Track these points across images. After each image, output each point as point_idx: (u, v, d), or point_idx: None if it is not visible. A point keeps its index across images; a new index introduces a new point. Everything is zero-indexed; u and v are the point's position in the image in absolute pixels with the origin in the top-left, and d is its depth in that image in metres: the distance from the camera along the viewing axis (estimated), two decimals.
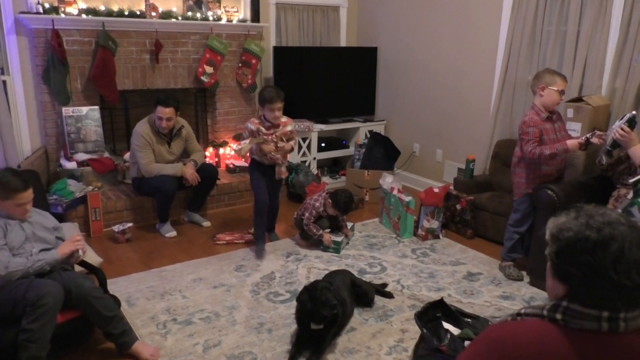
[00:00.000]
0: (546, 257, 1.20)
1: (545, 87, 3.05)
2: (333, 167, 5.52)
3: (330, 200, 3.63)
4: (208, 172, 4.00)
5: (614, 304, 1.10)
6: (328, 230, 3.71)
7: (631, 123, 2.73)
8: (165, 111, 3.70)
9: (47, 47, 3.95)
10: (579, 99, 3.40)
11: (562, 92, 3.06)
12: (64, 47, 3.94)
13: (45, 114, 4.10)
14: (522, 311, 1.22)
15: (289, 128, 3.56)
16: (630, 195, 2.62)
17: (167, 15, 4.38)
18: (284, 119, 3.54)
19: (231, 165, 4.76)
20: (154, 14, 4.33)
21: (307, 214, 3.62)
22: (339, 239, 3.65)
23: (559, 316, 1.13)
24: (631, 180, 2.58)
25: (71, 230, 3.40)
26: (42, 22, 3.87)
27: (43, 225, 2.48)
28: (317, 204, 3.65)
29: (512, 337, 1.15)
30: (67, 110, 4.08)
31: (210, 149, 4.85)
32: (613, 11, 3.40)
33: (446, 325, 2.27)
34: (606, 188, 3.07)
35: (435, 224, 3.87)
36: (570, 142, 2.98)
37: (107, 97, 4.19)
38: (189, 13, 4.53)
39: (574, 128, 3.31)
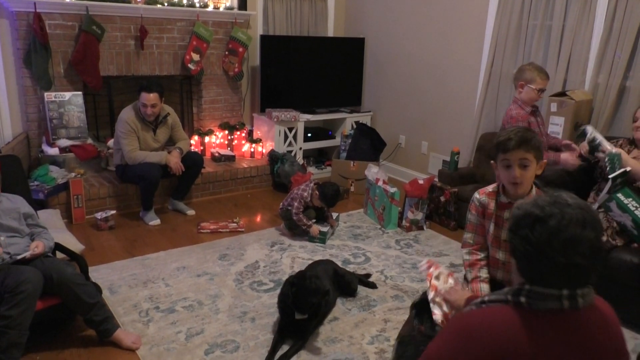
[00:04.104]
0: None
1: (524, 84, 3.07)
2: (319, 157, 5.52)
3: (317, 192, 3.64)
4: (193, 161, 3.98)
5: (556, 281, 1.14)
6: (314, 220, 3.72)
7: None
8: (149, 97, 3.66)
9: (28, 31, 3.86)
10: (562, 94, 3.44)
11: (541, 91, 3.07)
12: (46, 31, 3.86)
13: (27, 98, 4.02)
14: (486, 299, 1.27)
15: None
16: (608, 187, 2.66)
17: (152, 0, 4.31)
18: None
19: (216, 154, 4.73)
20: None
21: (295, 204, 3.61)
22: (325, 229, 3.66)
23: (523, 299, 1.17)
24: (611, 176, 2.62)
25: (52, 216, 3.37)
26: (23, 5, 3.78)
27: (10, 215, 2.39)
28: (305, 194, 3.65)
29: (479, 323, 1.19)
30: (49, 95, 4.01)
31: (196, 137, 4.81)
32: (597, 7, 3.44)
33: None
34: (587, 182, 3.12)
35: (419, 216, 3.90)
36: (564, 157, 2.97)
37: (89, 83, 4.13)
38: None
39: (557, 122, 3.36)
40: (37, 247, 2.34)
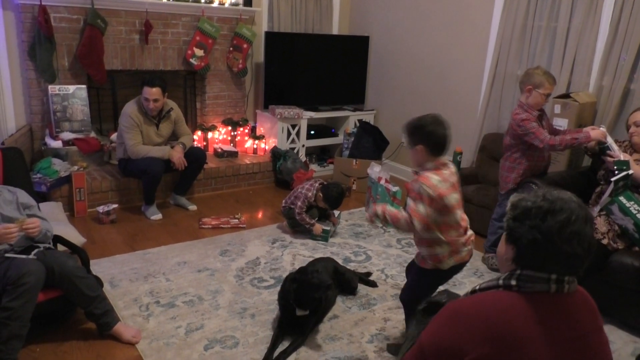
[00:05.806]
0: (503, 226, 1.35)
1: (532, 88, 3.03)
2: (321, 155, 5.52)
3: (321, 194, 3.64)
4: (196, 156, 3.98)
5: (554, 268, 1.24)
6: (316, 219, 3.72)
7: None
8: (151, 91, 3.66)
9: (33, 23, 3.87)
10: (566, 95, 3.43)
11: (547, 96, 3.05)
12: (51, 24, 3.86)
13: (31, 91, 4.03)
14: (477, 287, 1.36)
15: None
16: (611, 190, 2.66)
17: None
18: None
19: (219, 150, 4.73)
20: None
21: (299, 203, 3.61)
22: (327, 227, 3.66)
23: (513, 282, 1.27)
24: (613, 179, 2.62)
25: (54, 209, 3.38)
26: None
27: (11, 206, 2.39)
28: (310, 194, 3.64)
29: (471, 306, 1.26)
30: (53, 88, 4.01)
31: (199, 133, 4.82)
32: (603, 9, 3.43)
33: None
34: (589, 184, 3.12)
35: None
36: (593, 133, 2.90)
37: (94, 76, 4.13)
38: None
39: (561, 124, 3.35)
40: (34, 222, 2.29)
